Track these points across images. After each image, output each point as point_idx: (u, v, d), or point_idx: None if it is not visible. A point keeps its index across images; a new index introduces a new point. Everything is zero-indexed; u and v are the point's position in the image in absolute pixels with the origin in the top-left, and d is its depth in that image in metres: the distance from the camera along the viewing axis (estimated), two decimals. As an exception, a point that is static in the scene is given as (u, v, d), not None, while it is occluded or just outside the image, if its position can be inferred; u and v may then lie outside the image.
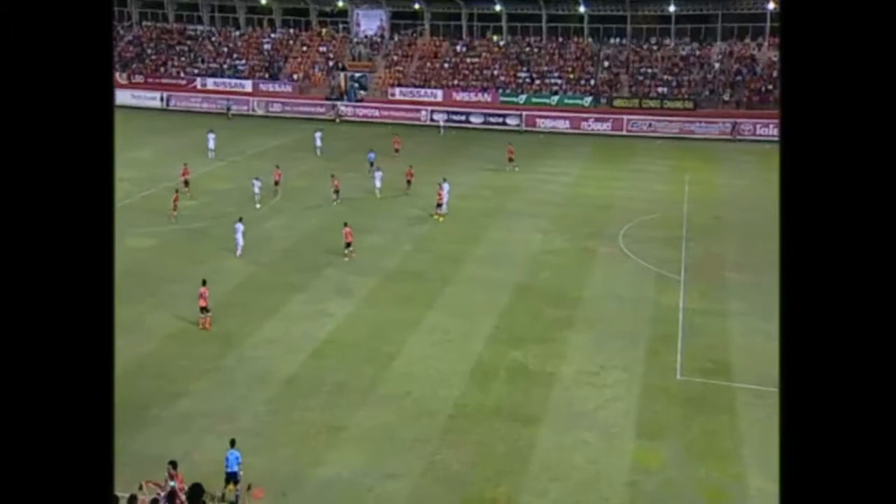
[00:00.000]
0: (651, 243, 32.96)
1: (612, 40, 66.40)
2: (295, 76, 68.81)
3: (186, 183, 38.42)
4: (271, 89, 67.54)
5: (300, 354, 22.60)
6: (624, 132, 57.40)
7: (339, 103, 63.87)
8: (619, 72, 63.56)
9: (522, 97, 62.65)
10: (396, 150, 47.65)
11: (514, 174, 45.00)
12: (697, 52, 63.51)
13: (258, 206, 36.33)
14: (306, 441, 18.19)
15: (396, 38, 70.86)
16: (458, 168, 45.70)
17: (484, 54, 67.14)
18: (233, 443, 16.21)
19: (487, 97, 63.08)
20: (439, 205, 35.99)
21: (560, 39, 67.26)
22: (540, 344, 23.61)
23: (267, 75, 69.41)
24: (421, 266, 30.16)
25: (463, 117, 60.73)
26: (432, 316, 25.73)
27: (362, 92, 65.70)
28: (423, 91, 64.55)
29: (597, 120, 58.77)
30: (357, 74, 66.89)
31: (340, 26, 72.98)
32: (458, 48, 68.25)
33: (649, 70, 62.92)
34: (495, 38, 68.72)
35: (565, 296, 27.43)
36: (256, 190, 36.71)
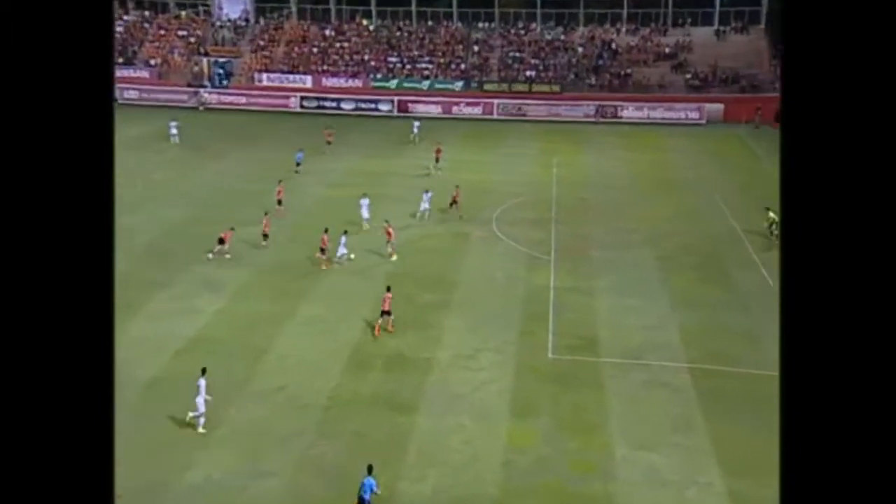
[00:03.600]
0: (522, 225, 33.89)
1: (481, 24, 67.42)
2: (152, 62, 65.59)
3: None
4: (125, 75, 63.95)
5: (165, 354, 21.74)
6: (494, 116, 58.53)
7: (202, 90, 61.46)
8: (489, 56, 64.68)
9: (394, 82, 62.56)
10: (329, 143, 46.51)
11: (389, 160, 45.02)
12: (562, 37, 65.58)
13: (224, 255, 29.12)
14: (173, 445, 17.57)
15: (262, 21, 68.91)
16: (330, 156, 45.22)
17: (354, 39, 66.48)
18: (370, 469, 15.66)
19: (358, 83, 62.56)
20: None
21: (430, 23, 67.62)
22: (416, 330, 23.83)
23: (120, 60, 65.73)
24: (294, 257, 29.66)
25: (334, 104, 59.99)
26: (307, 307, 25.42)
27: (225, 82, 63.48)
28: (291, 77, 63.17)
29: (468, 104, 59.59)
30: (221, 60, 64.57)
31: (201, 9, 70.14)
32: (327, 32, 67.23)
33: (517, 54, 64.39)
34: (365, 22, 68.17)
35: (440, 280, 27.78)
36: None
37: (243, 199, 36.14)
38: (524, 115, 58.47)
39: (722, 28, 64.05)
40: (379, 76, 63.09)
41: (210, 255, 28.87)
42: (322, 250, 28.87)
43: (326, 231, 29.30)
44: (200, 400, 18.32)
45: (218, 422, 18.57)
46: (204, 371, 18.84)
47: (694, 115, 57.07)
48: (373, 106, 59.90)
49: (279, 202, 34.06)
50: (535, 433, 18.66)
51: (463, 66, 63.93)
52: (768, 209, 32.00)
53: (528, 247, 31.32)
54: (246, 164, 43.54)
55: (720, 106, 56.91)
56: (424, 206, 34.08)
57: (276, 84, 62.59)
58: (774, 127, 54.97)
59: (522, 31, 66.40)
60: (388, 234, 29.81)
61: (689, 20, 65.04)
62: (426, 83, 62.38)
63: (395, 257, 29.51)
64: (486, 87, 61.80)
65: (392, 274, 28.11)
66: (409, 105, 59.60)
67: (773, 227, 31.46)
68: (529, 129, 55.29)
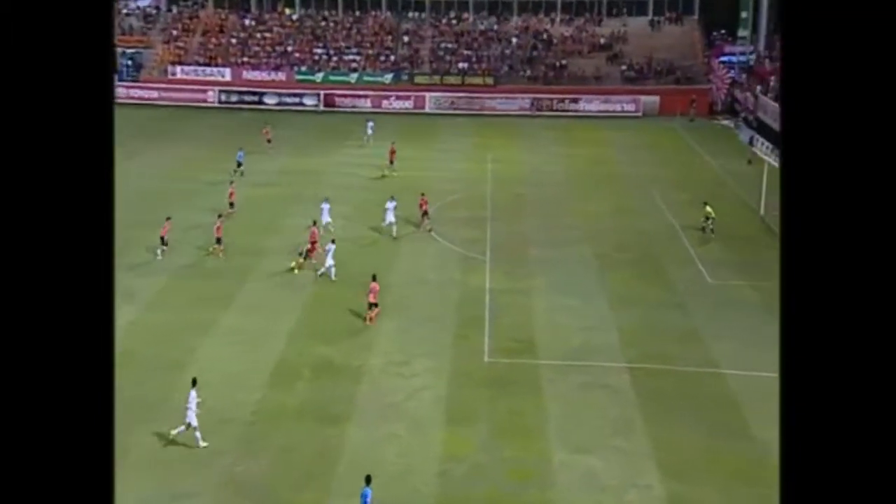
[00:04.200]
0: (456, 224, 34.13)
1: (411, 14, 67.47)
2: (56, 53, 63.57)
3: None
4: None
5: (74, 372, 21.15)
6: (426, 110, 58.69)
7: (110, 84, 59.84)
8: (420, 47, 64.81)
9: (319, 75, 62.07)
10: (269, 141, 45.88)
11: (323, 158, 44.78)
12: (495, 27, 66.20)
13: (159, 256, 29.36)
14: (84, 469, 17.13)
15: (174, 10, 67.45)
16: (264, 154, 44.57)
17: (276, 28, 65.68)
18: (368, 479, 15.76)
19: (281, 76, 61.84)
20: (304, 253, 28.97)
21: (357, 13, 67.30)
22: (346, 337, 23.79)
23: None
24: (214, 262, 29.20)
25: (256, 98, 59.22)
26: (228, 316, 25.10)
27: (134, 74, 61.88)
28: (209, 70, 62.02)
29: (398, 98, 59.62)
30: (129, 51, 62.90)
31: (108, -4, 68.24)
32: (247, 22, 66.25)
33: (450, 45, 64.71)
34: (287, 10, 67.40)
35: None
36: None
37: (164, 201, 35.29)
38: (457, 108, 58.80)
39: (657, 18, 65.76)
40: (303, 69, 62.51)
41: (159, 255, 29.23)
42: (312, 244, 28.87)
43: (314, 224, 29.72)
44: (192, 414, 18.02)
45: (130, 445, 18.14)
46: (194, 382, 18.59)
47: (630, 107, 58.41)
48: (297, 100, 59.38)
49: (231, 204, 34.07)
50: (471, 441, 18.87)
51: (392, 57, 63.91)
52: (706, 203, 33.08)
53: (463, 247, 31.57)
54: (164, 163, 42.63)
55: (656, 98, 58.40)
56: (390, 218, 32.17)
57: (192, 77, 61.39)
58: (709, 119, 56.84)
59: (454, 21, 66.77)
60: (313, 240, 29.42)
61: (624, 10, 66.54)
62: (354, 76, 62.11)
63: (294, 265, 28.71)
64: (417, 79, 61.92)
65: (321, 278, 27.94)
66: (337, 99, 59.31)
67: (710, 221, 32.55)
68: (463, 123, 55.63)
